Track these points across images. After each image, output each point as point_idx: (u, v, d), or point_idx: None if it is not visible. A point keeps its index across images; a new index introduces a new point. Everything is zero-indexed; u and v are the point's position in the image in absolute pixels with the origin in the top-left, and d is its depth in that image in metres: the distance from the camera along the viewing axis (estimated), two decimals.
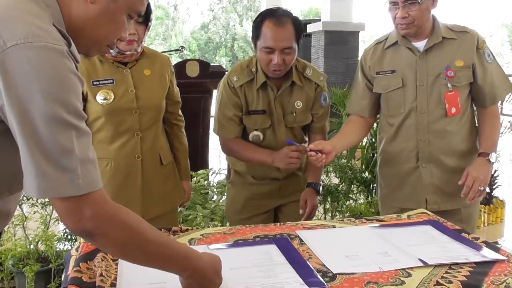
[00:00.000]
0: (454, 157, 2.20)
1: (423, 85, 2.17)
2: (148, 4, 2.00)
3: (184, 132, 2.37)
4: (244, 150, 2.27)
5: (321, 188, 2.31)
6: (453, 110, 2.15)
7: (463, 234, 1.68)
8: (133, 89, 2.08)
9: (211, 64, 4.05)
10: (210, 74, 3.92)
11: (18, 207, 2.75)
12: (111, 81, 2.06)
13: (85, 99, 2.05)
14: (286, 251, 1.53)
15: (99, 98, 2.03)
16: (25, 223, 2.81)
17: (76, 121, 0.96)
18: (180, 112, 2.33)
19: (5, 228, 2.71)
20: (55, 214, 2.79)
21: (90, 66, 2.06)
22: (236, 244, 1.62)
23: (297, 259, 1.48)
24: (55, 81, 0.92)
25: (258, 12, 2.39)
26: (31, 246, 2.76)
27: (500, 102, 2.35)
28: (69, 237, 2.85)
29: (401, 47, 2.22)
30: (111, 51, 2.00)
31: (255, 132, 2.27)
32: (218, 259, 1.25)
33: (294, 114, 2.26)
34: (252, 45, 2.21)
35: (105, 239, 1.03)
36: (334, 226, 1.78)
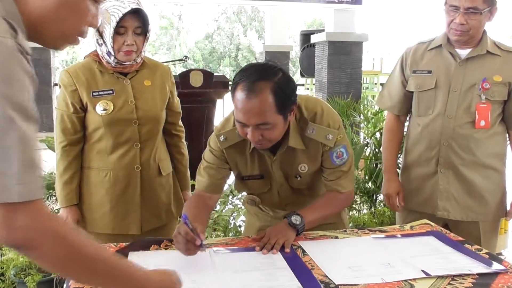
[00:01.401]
0: (473, 170, 2.20)
1: (456, 92, 2.18)
2: (146, 16, 2.01)
3: (185, 143, 2.36)
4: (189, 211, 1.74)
5: (302, 228, 1.73)
6: (482, 123, 2.15)
7: (466, 245, 1.68)
8: (132, 100, 2.07)
9: (215, 74, 4.07)
10: (214, 84, 3.94)
11: None
12: (111, 91, 2.05)
13: (85, 109, 2.05)
14: (288, 258, 1.55)
15: (99, 108, 2.03)
16: None
17: (21, 121, 0.87)
18: (180, 123, 2.31)
19: None
20: None
21: (90, 77, 2.05)
22: (240, 249, 1.65)
23: (299, 265, 1.50)
24: (1, 77, 0.86)
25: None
26: None
27: None
28: None
29: (443, 51, 2.23)
30: (110, 61, 2.01)
31: (250, 196, 1.95)
32: (171, 277, 1.16)
33: (299, 178, 1.85)
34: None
35: (39, 252, 0.94)
36: (336, 237, 1.78)
